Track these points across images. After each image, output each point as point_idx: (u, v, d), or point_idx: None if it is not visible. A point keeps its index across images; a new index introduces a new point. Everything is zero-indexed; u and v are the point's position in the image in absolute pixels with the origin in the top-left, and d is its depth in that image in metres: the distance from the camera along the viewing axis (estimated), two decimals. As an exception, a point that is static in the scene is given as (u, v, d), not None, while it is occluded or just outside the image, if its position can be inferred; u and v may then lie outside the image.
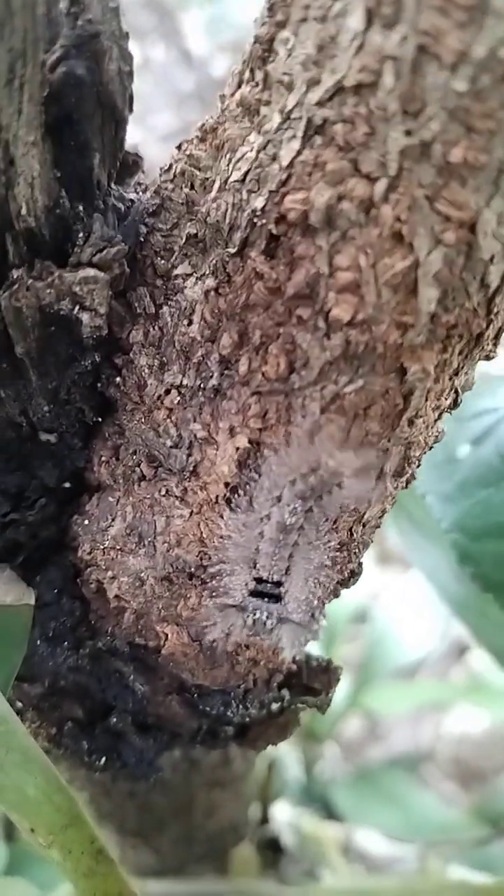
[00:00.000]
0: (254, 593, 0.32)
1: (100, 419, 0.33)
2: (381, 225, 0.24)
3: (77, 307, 0.28)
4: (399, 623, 1.21)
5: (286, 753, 1.05)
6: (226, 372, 0.28)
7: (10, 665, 0.32)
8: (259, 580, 0.32)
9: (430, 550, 0.58)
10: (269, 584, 0.32)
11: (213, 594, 0.32)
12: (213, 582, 0.32)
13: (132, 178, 0.33)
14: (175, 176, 0.31)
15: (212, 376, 0.29)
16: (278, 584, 0.32)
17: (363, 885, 0.69)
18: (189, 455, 0.30)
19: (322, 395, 0.27)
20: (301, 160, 0.25)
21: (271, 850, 0.77)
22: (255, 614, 0.32)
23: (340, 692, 1.14)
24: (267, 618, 0.33)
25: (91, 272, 0.27)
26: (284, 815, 0.82)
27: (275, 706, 0.37)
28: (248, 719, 0.36)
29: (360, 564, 0.35)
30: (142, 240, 0.31)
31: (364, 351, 0.26)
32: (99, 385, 0.32)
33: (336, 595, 0.36)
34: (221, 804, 0.60)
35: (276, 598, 0.32)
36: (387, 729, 1.55)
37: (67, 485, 0.34)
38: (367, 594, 1.25)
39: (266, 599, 0.32)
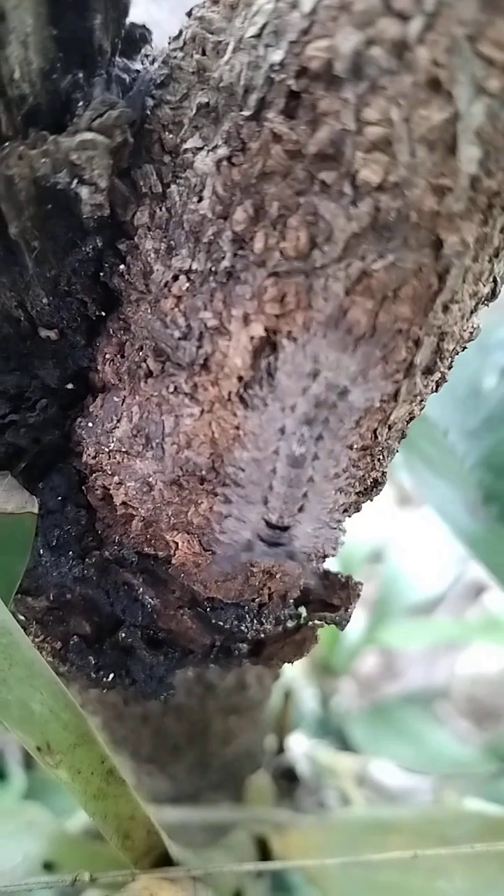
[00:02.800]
0: (262, 538, 0.30)
1: (103, 314, 0.30)
2: (416, 71, 0.21)
3: (75, 180, 0.26)
4: (414, 561, 1.21)
5: (302, 687, 1.05)
6: (239, 252, 0.26)
7: (12, 575, 0.31)
8: (269, 524, 0.29)
9: (443, 489, 0.55)
10: (276, 531, 0.30)
11: (223, 532, 0.30)
12: (225, 502, 0.30)
13: (138, 53, 0.30)
14: (185, 43, 0.28)
15: (224, 258, 0.26)
16: (285, 528, 0.30)
17: (380, 814, 0.69)
18: (199, 347, 0.27)
19: (347, 273, 0.24)
20: (325, 4, 0.22)
21: (287, 780, 0.77)
22: (259, 551, 0.30)
23: (357, 628, 1.14)
24: (276, 556, 0.31)
25: (89, 136, 0.25)
26: (300, 746, 0.82)
27: (291, 623, 0.35)
28: (263, 635, 0.34)
29: (383, 474, 0.33)
30: (148, 113, 0.28)
31: (395, 220, 0.23)
32: (101, 275, 0.29)
33: (358, 509, 0.34)
34: (237, 731, 0.59)
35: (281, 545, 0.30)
36: (402, 667, 1.55)
37: (70, 386, 0.31)
38: (384, 533, 1.24)
39: (271, 546, 0.30)
